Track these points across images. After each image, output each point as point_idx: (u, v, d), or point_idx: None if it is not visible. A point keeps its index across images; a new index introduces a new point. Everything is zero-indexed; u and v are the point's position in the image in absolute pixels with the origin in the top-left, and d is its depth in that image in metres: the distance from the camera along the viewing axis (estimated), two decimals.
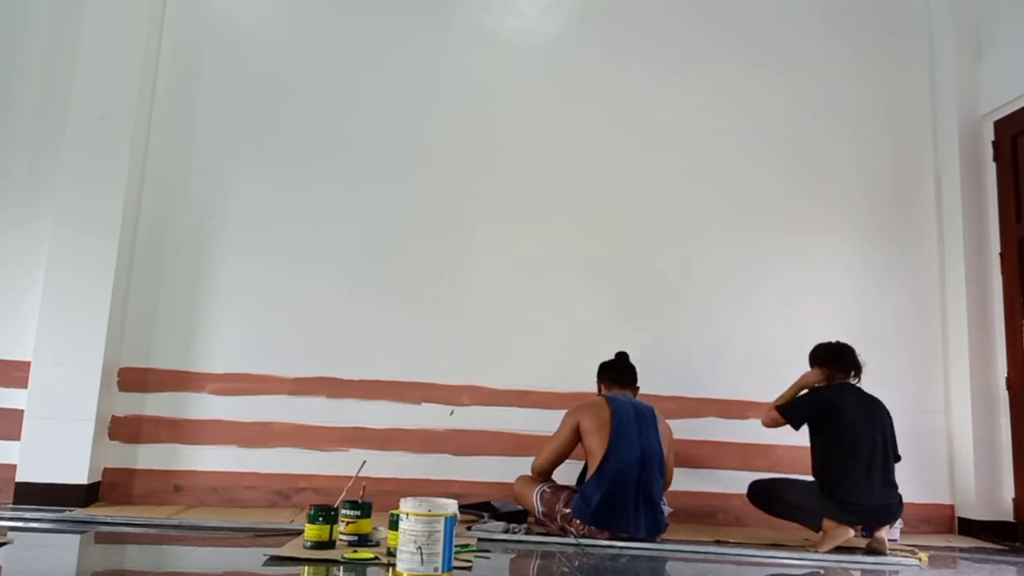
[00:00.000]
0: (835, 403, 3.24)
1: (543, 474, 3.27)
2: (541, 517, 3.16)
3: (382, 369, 3.73)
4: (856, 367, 3.37)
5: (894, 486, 3.18)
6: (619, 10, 4.20)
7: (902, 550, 3.14)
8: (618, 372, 3.41)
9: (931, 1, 4.33)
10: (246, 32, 3.98)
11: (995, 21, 4.10)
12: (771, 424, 3.33)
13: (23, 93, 3.74)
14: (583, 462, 3.26)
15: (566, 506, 3.08)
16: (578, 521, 3.02)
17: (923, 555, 3.05)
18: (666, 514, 3.16)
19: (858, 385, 3.36)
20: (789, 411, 3.29)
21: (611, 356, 3.51)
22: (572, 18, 4.19)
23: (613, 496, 3.01)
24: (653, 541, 3.04)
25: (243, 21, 3.99)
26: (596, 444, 3.09)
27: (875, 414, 3.25)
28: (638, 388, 3.43)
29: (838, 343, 3.42)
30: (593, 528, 3.01)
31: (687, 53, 4.20)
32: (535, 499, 3.17)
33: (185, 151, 3.83)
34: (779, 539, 3.31)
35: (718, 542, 3.16)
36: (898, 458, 3.27)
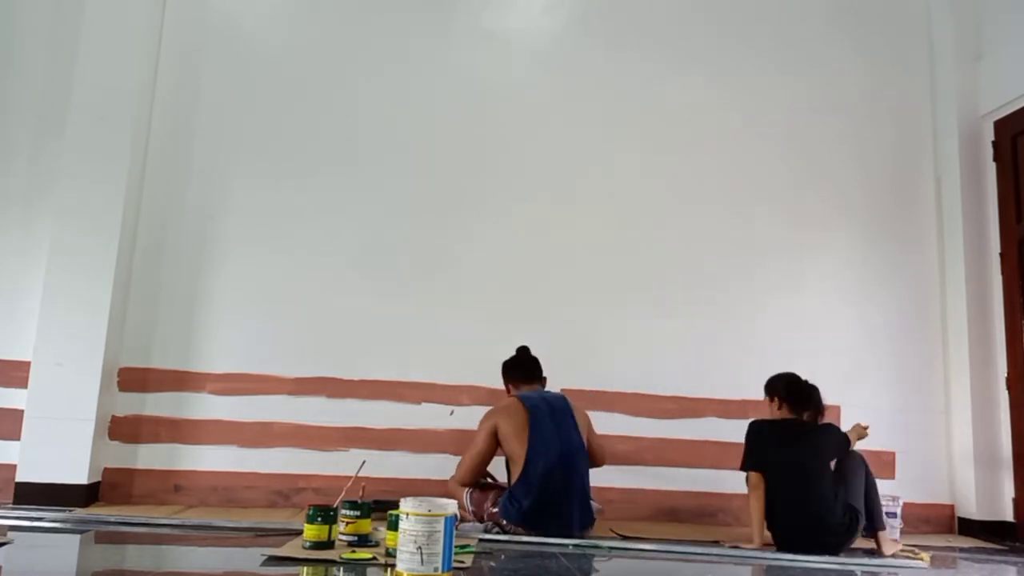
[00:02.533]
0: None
1: (467, 486, 3.23)
2: (471, 517, 3.15)
3: (382, 369, 3.73)
4: (806, 405, 3.16)
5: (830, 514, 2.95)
6: (619, 10, 4.20)
7: (904, 551, 3.14)
8: (526, 368, 3.36)
9: (931, 1, 4.33)
10: (246, 32, 3.98)
11: (995, 21, 4.09)
12: (754, 488, 3.08)
13: (23, 93, 3.74)
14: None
15: (493, 505, 3.08)
16: (504, 521, 3.02)
17: (925, 555, 3.05)
18: (594, 509, 3.14)
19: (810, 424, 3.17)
20: (744, 465, 3.11)
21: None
22: (572, 18, 4.19)
23: (542, 499, 2.99)
24: (583, 537, 3.01)
25: (243, 21, 3.99)
26: (516, 448, 3.07)
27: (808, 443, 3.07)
28: (545, 379, 3.38)
29: (794, 377, 3.23)
30: (521, 530, 3.00)
31: (687, 53, 4.20)
32: (465, 499, 3.16)
33: (185, 151, 3.83)
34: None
35: (716, 543, 3.15)
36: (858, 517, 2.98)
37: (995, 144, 3.99)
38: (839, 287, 4.07)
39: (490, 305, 3.85)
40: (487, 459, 3.22)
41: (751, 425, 3.18)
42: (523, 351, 3.41)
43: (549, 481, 3.01)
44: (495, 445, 3.16)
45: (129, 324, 3.66)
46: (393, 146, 3.95)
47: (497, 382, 3.79)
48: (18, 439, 3.36)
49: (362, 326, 3.77)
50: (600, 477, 3.72)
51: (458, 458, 3.33)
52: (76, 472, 3.34)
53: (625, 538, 3.17)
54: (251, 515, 3.23)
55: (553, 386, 3.80)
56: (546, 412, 3.13)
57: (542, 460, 3.02)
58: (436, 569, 2.01)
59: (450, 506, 2.08)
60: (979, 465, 3.78)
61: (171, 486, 3.55)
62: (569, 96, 4.10)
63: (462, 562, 2.32)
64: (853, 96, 4.25)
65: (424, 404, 3.73)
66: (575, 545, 2.88)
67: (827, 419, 3.84)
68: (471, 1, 4.14)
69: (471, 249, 3.91)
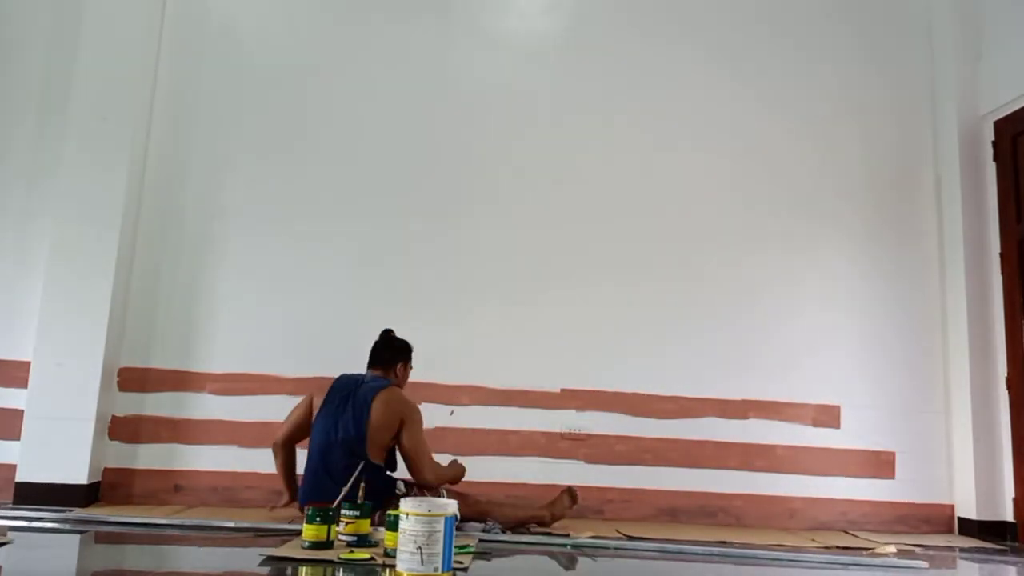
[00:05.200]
0: None
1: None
2: None
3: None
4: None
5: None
6: (619, 9, 4.20)
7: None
8: (371, 352, 3.27)
9: (931, 1, 4.33)
10: (246, 32, 3.98)
11: (995, 21, 4.09)
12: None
13: (23, 93, 3.74)
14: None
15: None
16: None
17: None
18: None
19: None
20: None
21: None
22: (572, 18, 4.19)
23: (310, 481, 3.00)
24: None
25: (243, 20, 3.99)
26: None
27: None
28: (390, 367, 3.23)
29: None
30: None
31: (686, 53, 4.19)
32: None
33: (185, 151, 3.84)
34: (781, 540, 3.31)
35: (721, 543, 3.15)
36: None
37: (995, 144, 3.99)
38: (839, 287, 4.07)
39: (490, 305, 3.85)
40: (289, 421, 3.20)
41: None
42: (381, 334, 3.31)
43: (312, 464, 3.00)
44: (306, 414, 3.14)
45: (129, 324, 3.66)
46: (393, 146, 3.95)
47: (497, 382, 3.80)
48: (18, 439, 3.37)
49: (362, 326, 3.76)
50: (600, 477, 3.74)
51: (459, 458, 3.32)
52: (76, 472, 3.34)
53: (631, 538, 3.16)
54: (251, 515, 3.23)
55: (553, 386, 3.81)
56: (336, 396, 3.07)
57: (314, 441, 3.04)
58: (436, 569, 2.01)
59: (450, 506, 2.08)
60: (979, 465, 3.77)
61: (171, 486, 3.55)
62: (569, 95, 4.09)
63: (461, 563, 2.32)
64: (853, 96, 4.24)
65: (424, 404, 3.72)
66: (574, 545, 2.88)
67: (822, 420, 3.88)
68: (472, 2, 4.14)
69: (470, 249, 3.91)
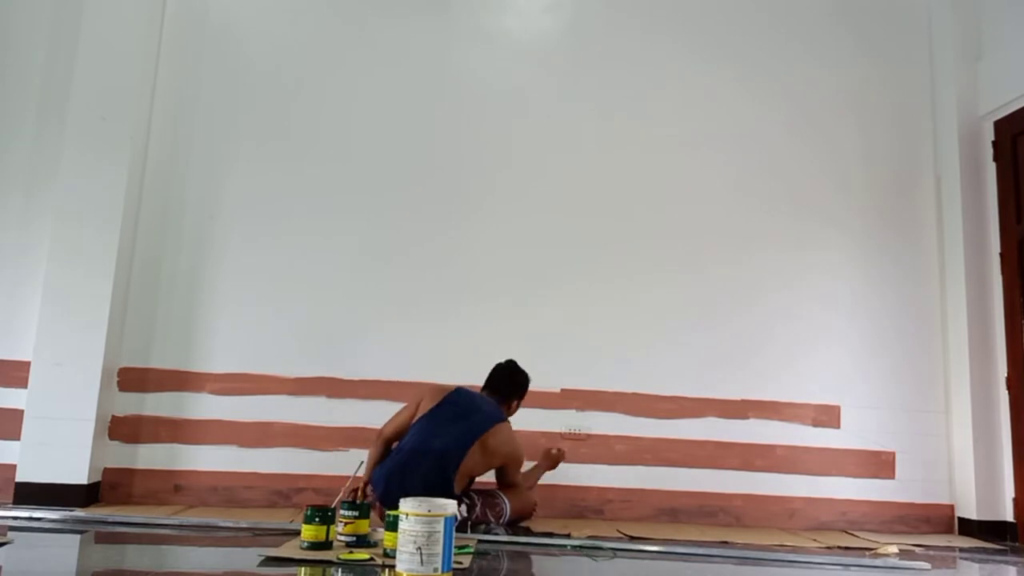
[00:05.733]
0: None
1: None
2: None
3: (382, 369, 3.73)
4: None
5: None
6: (619, 8, 4.20)
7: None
8: (489, 379, 3.32)
9: (931, 1, 4.33)
10: (246, 32, 3.98)
11: (995, 21, 4.09)
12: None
13: (23, 93, 3.74)
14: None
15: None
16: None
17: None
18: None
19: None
20: None
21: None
22: (571, 17, 4.18)
23: (386, 484, 2.96)
24: None
25: (243, 20, 3.99)
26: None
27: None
28: (506, 400, 3.27)
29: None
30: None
31: (686, 53, 4.19)
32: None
33: (185, 151, 3.84)
34: (782, 540, 3.31)
35: (723, 543, 3.15)
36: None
37: (995, 144, 3.99)
38: (839, 287, 4.07)
39: (490, 304, 3.85)
40: (398, 420, 3.15)
41: None
42: (507, 362, 3.35)
43: (399, 464, 2.96)
44: (413, 415, 3.09)
45: (129, 324, 3.66)
46: (393, 146, 3.95)
47: None
48: (18, 439, 3.37)
49: (362, 326, 3.77)
50: (600, 477, 3.74)
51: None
52: (76, 472, 3.34)
53: (632, 538, 3.16)
54: (251, 515, 3.23)
55: (553, 386, 3.81)
56: (449, 410, 3.05)
57: (409, 441, 3.00)
58: (436, 570, 2.01)
59: (449, 506, 2.08)
60: (979, 465, 3.77)
61: (171, 486, 3.55)
62: (568, 94, 4.10)
63: (460, 563, 2.32)
64: (853, 96, 4.24)
65: None
66: (574, 546, 2.88)
67: (822, 420, 3.89)
68: (472, 1, 4.14)
69: (470, 249, 3.91)
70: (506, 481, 3.17)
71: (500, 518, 3.07)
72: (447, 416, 3.03)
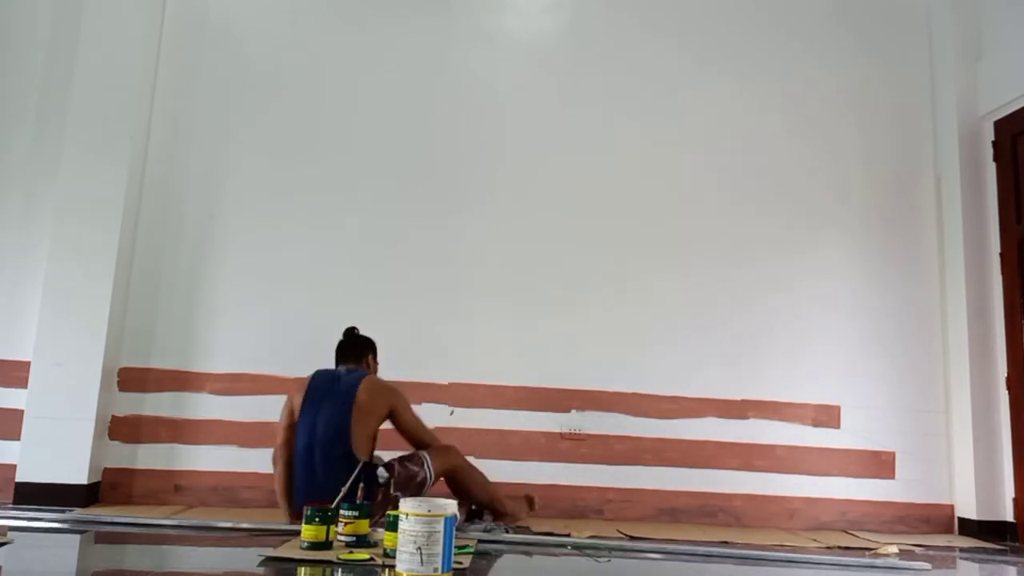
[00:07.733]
0: None
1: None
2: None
3: (382, 369, 3.71)
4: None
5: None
6: (619, 8, 4.20)
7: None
8: (337, 350, 3.26)
9: (931, 1, 4.33)
10: (246, 32, 3.98)
11: (995, 21, 4.09)
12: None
13: (23, 94, 3.74)
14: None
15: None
16: None
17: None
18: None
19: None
20: None
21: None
22: (571, 17, 4.18)
23: (300, 480, 2.96)
24: None
25: (243, 20, 4.00)
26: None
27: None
28: (361, 359, 3.24)
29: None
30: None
31: (687, 50, 4.19)
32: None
33: (185, 151, 3.84)
34: (782, 540, 3.31)
35: (723, 543, 3.15)
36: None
37: (995, 144, 3.99)
38: (839, 287, 4.07)
39: (490, 304, 3.85)
40: (287, 427, 3.08)
41: None
42: (345, 332, 3.31)
43: (301, 469, 2.95)
44: (289, 420, 3.08)
45: (129, 324, 3.66)
46: (393, 146, 3.95)
47: (496, 380, 3.80)
48: (18, 439, 3.37)
49: (362, 326, 3.76)
50: (600, 477, 3.74)
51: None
52: (76, 472, 3.35)
53: (632, 538, 3.16)
54: (251, 515, 3.23)
55: (552, 384, 3.80)
56: (316, 393, 3.04)
57: (299, 444, 2.99)
58: (436, 570, 2.01)
59: (450, 506, 2.08)
60: (979, 465, 3.77)
61: (171, 486, 3.55)
62: (568, 94, 4.09)
63: (460, 563, 2.32)
64: (853, 96, 4.24)
65: (424, 404, 3.73)
66: (574, 546, 2.88)
67: (822, 420, 3.89)
68: (472, 1, 4.14)
69: (471, 249, 3.91)
70: (412, 434, 3.11)
71: (423, 477, 2.99)
72: (317, 398, 3.03)
